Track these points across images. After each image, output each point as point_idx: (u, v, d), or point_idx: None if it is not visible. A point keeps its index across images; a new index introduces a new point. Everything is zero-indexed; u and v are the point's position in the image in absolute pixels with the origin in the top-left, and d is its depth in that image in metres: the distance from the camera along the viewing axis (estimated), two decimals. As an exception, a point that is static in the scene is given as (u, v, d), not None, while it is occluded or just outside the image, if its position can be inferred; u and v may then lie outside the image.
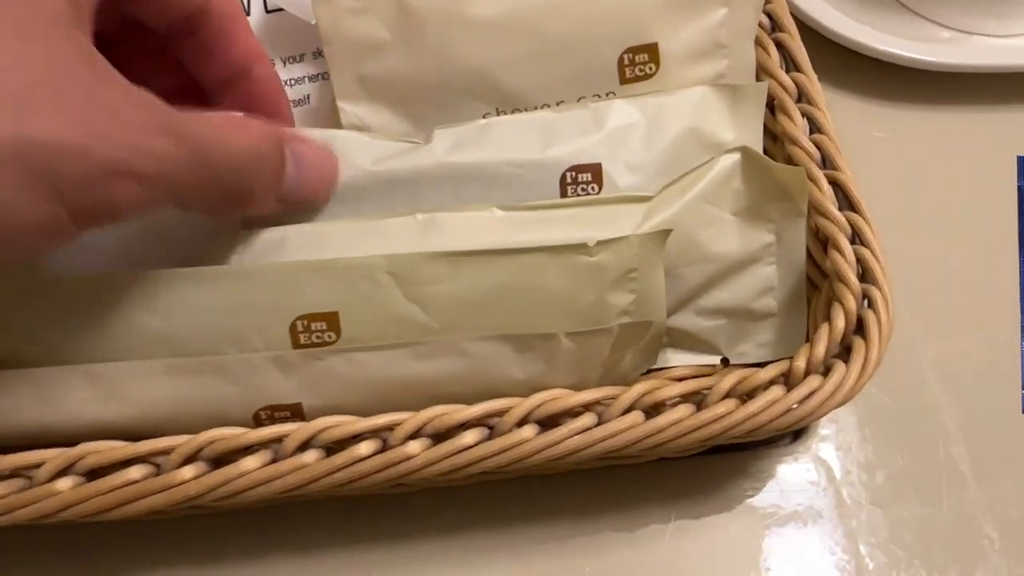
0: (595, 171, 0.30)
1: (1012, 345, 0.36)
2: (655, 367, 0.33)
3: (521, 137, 0.30)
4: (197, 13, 0.27)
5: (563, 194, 0.30)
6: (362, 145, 0.30)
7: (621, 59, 0.31)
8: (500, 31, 0.30)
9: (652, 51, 0.31)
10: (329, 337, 0.26)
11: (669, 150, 0.31)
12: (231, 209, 0.26)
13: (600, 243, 0.27)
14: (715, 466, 0.33)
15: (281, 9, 0.34)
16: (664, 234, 0.27)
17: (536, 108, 0.32)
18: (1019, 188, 0.41)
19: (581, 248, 0.27)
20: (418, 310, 0.26)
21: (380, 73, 0.31)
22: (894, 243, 0.31)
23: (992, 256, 0.39)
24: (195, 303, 0.26)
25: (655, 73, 0.32)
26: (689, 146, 0.31)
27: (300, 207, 0.29)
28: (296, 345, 0.26)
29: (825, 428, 0.34)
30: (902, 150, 0.42)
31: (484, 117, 0.31)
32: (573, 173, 0.30)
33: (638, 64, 0.31)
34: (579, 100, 0.32)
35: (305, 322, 0.26)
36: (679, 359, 0.33)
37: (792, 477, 0.33)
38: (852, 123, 0.43)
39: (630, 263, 0.27)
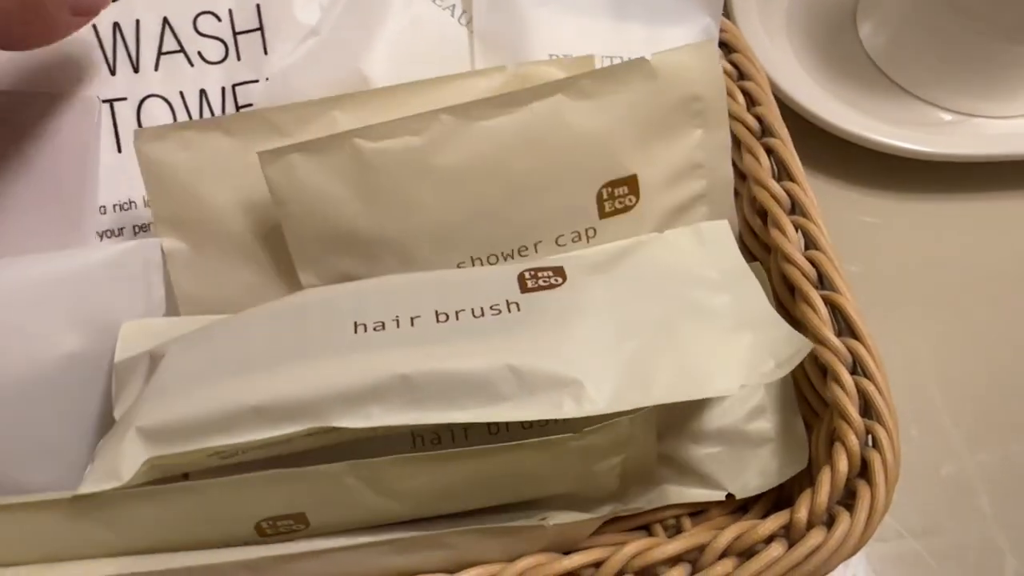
0: (557, 271, 0.28)
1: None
2: (654, 507, 0.31)
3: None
4: None
5: (523, 288, 0.27)
6: None
7: (600, 194, 0.30)
8: (469, 179, 0.29)
9: (632, 183, 0.30)
10: (298, 527, 0.25)
11: (646, 274, 0.29)
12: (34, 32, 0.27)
13: (588, 430, 0.25)
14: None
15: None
16: (654, 409, 0.25)
17: (512, 251, 0.30)
18: (1032, 282, 0.39)
19: (568, 438, 0.25)
20: (391, 502, 0.25)
21: (340, 230, 0.29)
22: (897, 348, 0.28)
23: (1005, 359, 0.37)
24: (148, 518, 0.24)
25: (635, 204, 0.30)
26: (666, 271, 0.30)
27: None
28: (262, 535, 0.25)
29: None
30: (904, 242, 0.40)
31: (459, 266, 0.29)
32: (532, 271, 0.28)
33: (618, 197, 0.30)
34: (558, 238, 0.30)
35: (271, 521, 0.25)
36: (681, 496, 0.31)
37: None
38: (850, 212, 0.41)
39: (620, 439, 0.25)
